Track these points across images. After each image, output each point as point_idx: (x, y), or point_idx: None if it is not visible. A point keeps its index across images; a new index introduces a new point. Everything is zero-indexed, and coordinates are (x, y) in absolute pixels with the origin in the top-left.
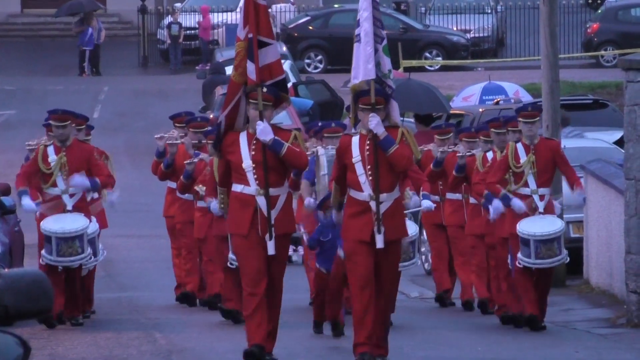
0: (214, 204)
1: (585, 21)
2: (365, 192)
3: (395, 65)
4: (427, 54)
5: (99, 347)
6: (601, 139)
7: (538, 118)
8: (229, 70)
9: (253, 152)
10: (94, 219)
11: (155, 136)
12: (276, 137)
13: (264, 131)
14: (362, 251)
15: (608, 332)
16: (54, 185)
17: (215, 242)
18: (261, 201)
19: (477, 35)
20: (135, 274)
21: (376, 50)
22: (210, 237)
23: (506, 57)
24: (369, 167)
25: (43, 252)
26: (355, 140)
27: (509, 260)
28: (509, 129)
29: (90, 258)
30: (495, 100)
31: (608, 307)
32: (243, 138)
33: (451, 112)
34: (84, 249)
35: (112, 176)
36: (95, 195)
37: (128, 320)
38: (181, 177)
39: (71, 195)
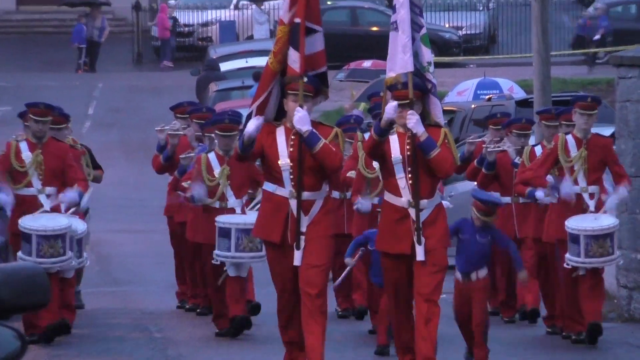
0: (198, 189)
1: (576, 18)
2: (404, 198)
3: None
4: None
5: (95, 340)
6: None
7: (596, 111)
8: (223, 66)
9: (291, 149)
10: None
11: (156, 128)
12: (314, 130)
13: (302, 119)
14: (398, 266)
15: None
16: (29, 185)
17: (202, 250)
18: (294, 205)
19: (469, 32)
20: (130, 269)
21: (414, 40)
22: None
23: (498, 54)
24: (409, 169)
25: (19, 253)
26: (393, 139)
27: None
28: (563, 122)
29: (72, 262)
30: (488, 97)
31: None
32: (280, 133)
33: (443, 108)
34: (66, 250)
35: (87, 180)
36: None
37: (123, 314)
38: (175, 172)
39: (48, 196)
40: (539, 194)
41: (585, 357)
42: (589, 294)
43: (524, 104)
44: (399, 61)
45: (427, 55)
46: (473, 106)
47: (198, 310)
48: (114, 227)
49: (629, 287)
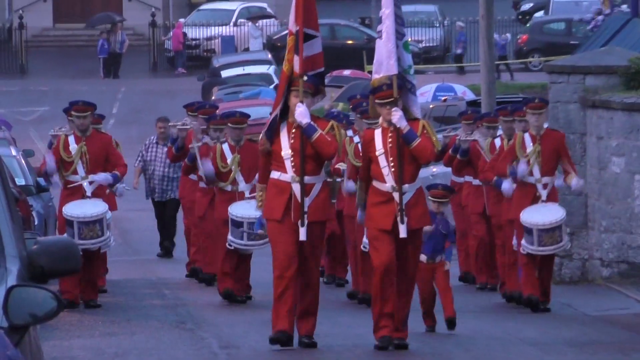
0: (205, 164)
1: (516, 33)
2: (388, 184)
3: (360, 69)
4: None
5: (117, 301)
6: None
7: (545, 109)
8: (224, 73)
9: (292, 140)
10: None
11: (169, 124)
12: (312, 122)
13: (302, 113)
14: (383, 239)
15: None
16: (75, 172)
17: (217, 224)
18: (296, 188)
19: (427, 44)
20: (148, 242)
21: (397, 47)
22: (209, 217)
23: (451, 63)
24: (391, 159)
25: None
26: (377, 133)
27: (514, 241)
28: (516, 117)
29: (110, 240)
30: (443, 99)
31: None
32: (283, 127)
33: None
34: (104, 232)
35: (126, 165)
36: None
37: (141, 279)
38: (185, 159)
39: (90, 183)
40: (505, 185)
41: (524, 315)
42: (541, 272)
43: (474, 104)
44: (384, 66)
45: (408, 59)
46: (431, 106)
47: (200, 275)
48: (135, 207)
49: (560, 255)
